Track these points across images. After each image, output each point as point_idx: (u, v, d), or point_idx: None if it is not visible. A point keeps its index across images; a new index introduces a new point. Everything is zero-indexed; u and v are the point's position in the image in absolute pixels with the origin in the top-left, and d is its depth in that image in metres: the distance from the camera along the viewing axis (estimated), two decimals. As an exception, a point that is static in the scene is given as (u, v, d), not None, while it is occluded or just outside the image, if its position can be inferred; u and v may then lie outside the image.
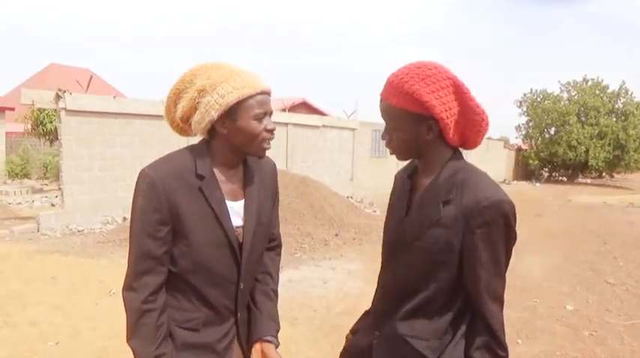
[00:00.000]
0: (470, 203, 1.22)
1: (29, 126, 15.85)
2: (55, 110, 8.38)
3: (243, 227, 1.40)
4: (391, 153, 1.38)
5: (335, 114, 16.68)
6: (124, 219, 8.73)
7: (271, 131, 1.36)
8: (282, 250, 5.63)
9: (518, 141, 29.62)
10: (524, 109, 27.24)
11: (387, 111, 1.31)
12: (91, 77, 9.47)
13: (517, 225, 1.28)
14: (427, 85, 1.25)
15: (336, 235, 7.98)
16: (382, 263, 1.46)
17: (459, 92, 1.27)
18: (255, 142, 1.34)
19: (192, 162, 1.34)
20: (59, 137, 8.20)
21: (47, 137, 15.36)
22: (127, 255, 1.32)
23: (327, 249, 7.18)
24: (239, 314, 1.44)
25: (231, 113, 1.30)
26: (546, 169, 27.45)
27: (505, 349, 1.29)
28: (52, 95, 7.90)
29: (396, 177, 1.52)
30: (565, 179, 26.66)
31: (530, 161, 26.16)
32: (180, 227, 1.30)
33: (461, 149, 1.38)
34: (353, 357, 1.53)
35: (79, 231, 8.00)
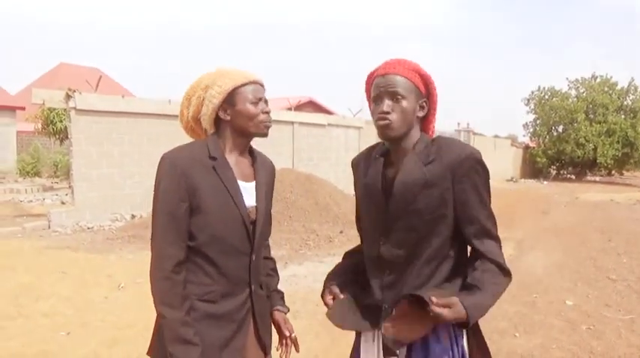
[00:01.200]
0: (451, 159, 1.41)
1: (39, 126, 16.08)
2: (65, 109, 8.54)
3: (256, 207, 1.58)
4: (385, 123, 1.45)
5: (342, 113, 16.76)
6: (132, 216, 8.89)
7: (267, 113, 1.60)
8: (288, 246, 5.81)
9: (526, 139, 29.54)
10: (532, 107, 27.13)
11: (397, 82, 1.44)
12: (100, 77, 9.62)
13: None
14: (424, 69, 1.50)
15: (341, 232, 8.08)
16: (373, 242, 1.53)
17: (433, 83, 1.51)
18: (254, 122, 1.57)
19: (205, 147, 1.55)
20: (69, 136, 8.37)
21: (57, 136, 15.59)
22: (151, 235, 1.46)
23: (332, 245, 7.28)
24: (253, 286, 1.58)
25: (231, 100, 1.54)
26: (554, 167, 27.34)
27: (508, 271, 1.44)
28: (62, 95, 8.06)
29: (356, 163, 1.64)
30: (573, 177, 26.54)
31: (538, 159, 26.07)
32: (198, 203, 1.46)
33: None
34: (354, 315, 1.56)
35: (88, 228, 8.16)
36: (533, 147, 27.53)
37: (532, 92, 27.30)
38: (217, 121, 1.59)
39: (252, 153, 1.68)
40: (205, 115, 1.58)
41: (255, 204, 1.59)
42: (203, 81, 1.58)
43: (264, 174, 1.68)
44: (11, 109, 19.08)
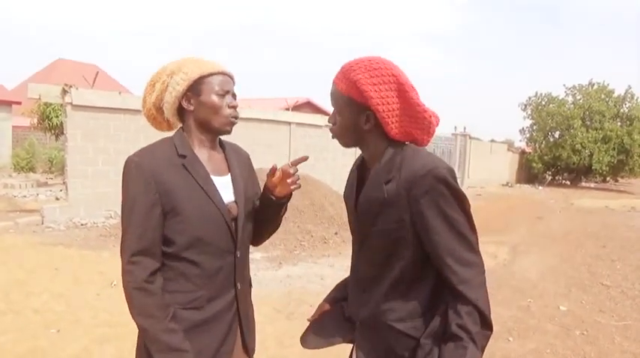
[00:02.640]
0: (408, 175, 1.27)
1: (35, 121, 15.99)
2: (61, 105, 8.49)
3: (236, 202, 1.50)
4: (332, 138, 1.45)
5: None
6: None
7: (234, 107, 1.51)
8: (282, 247, 5.74)
9: (522, 145, 29.57)
10: (529, 112, 27.17)
11: (333, 95, 1.38)
12: (97, 73, 9.59)
13: (462, 187, 1.34)
14: (370, 77, 1.31)
15: (336, 234, 8.05)
16: (352, 255, 1.51)
17: (402, 90, 1.32)
18: (218, 116, 1.48)
19: (172, 145, 1.47)
20: (65, 131, 8.31)
21: (53, 131, 15.50)
22: (121, 244, 1.38)
23: (326, 246, 7.26)
24: (239, 285, 1.51)
25: (196, 89, 1.46)
26: (550, 173, 27.38)
27: (486, 319, 1.25)
28: (59, 90, 8.01)
29: (350, 172, 1.58)
30: (568, 183, 26.60)
31: (534, 164, 26.10)
32: (172, 205, 1.38)
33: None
34: (334, 325, 1.54)
35: (82, 225, 8.11)
36: (530, 153, 27.56)
37: (529, 98, 27.37)
38: (181, 112, 1.51)
39: (222, 145, 1.60)
40: (168, 103, 1.49)
41: (234, 198, 1.51)
42: (169, 67, 1.50)
43: (239, 165, 1.60)
44: (7, 104, 19.00)
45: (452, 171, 1.31)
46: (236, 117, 1.51)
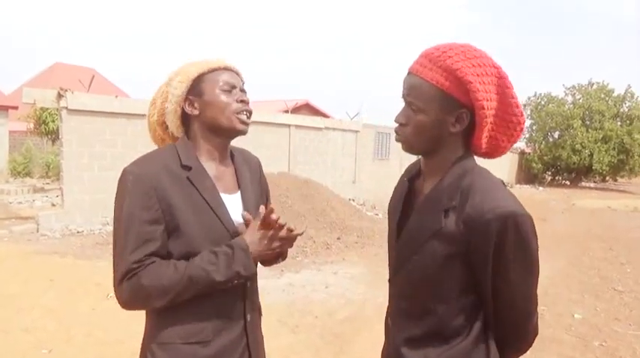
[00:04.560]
0: (474, 212, 1.03)
1: (32, 125, 15.81)
2: (57, 109, 8.30)
3: (245, 223, 1.31)
4: (399, 140, 1.17)
5: (339, 117, 16.60)
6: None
7: (245, 102, 1.31)
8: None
9: (522, 145, 29.47)
10: (528, 113, 27.07)
11: (416, 87, 1.10)
12: (93, 76, 9.39)
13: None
14: (473, 67, 1.06)
15: (338, 238, 7.88)
16: (389, 279, 1.31)
17: (503, 85, 1.11)
18: (226, 113, 1.28)
19: (174, 154, 1.27)
20: (60, 136, 8.13)
21: (49, 136, 15.32)
22: (113, 268, 1.20)
23: (329, 252, 7.09)
24: (249, 316, 1.32)
25: (197, 89, 1.28)
26: (549, 173, 27.30)
27: None
28: (54, 94, 7.82)
29: (399, 181, 1.35)
30: (568, 183, 26.50)
31: (534, 164, 26.00)
32: (176, 223, 1.19)
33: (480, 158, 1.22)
34: None
35: (78, 232, 7.91)
36: (529, 153, 27.48)
37: (528, 98, 27.31)
38: (186, 120, 1.32)
39: (231, 155, 1.40)
40: (170, 114, 1.31)
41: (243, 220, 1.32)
42: (167, 77, 1.33)
43: (250, 177, 1.41)
44: (4, 109, 18.77)
45: (532, 222, 1.08)
46: (249, 113, 1.32)
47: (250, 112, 1.32)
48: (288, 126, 12.29)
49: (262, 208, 1.27)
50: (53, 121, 14.09)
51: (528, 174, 26.73)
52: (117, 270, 1.19)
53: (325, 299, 4.86)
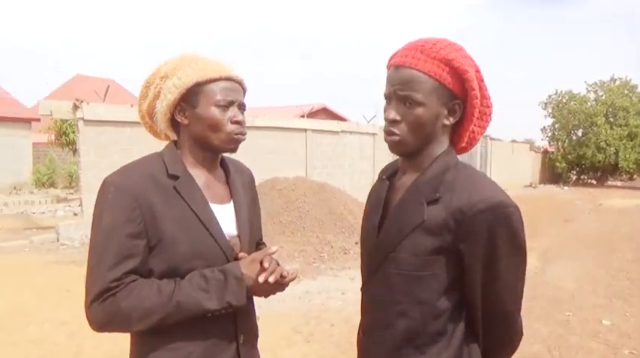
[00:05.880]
0: (462, 204, 1.00)
1: (53, 137, 16.11)
2: (74, 120, 8.40)
3: (239, 236, 1.23)
4: (392, 140, 1.10)
5: (356, 120, 16.50)
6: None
7: (238, 123, 1.20)
8: (301, 259, 5.34)
9: (545, 144, 28.91)
10: (550, 111, 26.58)
11: (412, 80, 1.04)
12: (108, 87, 9.50)
13: (527, 236, 1.07)
14: (463, 58, 1.06)
15: (356, 243, 7.75)
16: (362, 286, 1.22)
17: (479, 78, 1.10)
18: (217, 133, 1.18)
19: (161, 163, 1.18)
20: (77, 147, 8.21)
21: (70, 147, 15.57)
22: (85, 283, 1.11)
23: (347, 258, 6.98)
24: (241, 338, 1.22)
25: (191, 98, 1.17)
26: (574, 172, 26.69)
27: None
28: (70, 105, 7.91)
29: (377, 180, 1.28)
30: (594, 182, 25.86)
31: (558, 164, 25.47)
32: (160, 237, 1.11)
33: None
34: None
35: (97, 241, 7.97)
36: (552, 152, 26.94)
37: (549, 96, 26.77)
38: (175, 125, 1.23)
39: (223, 163, 1.31)
40: (159, 113, 1.21)
41: (236, 232, 1.24)
42: (163, 68, 1.21)
43: (243, 188, 1.32)
44: (26, 121, 19.20)
45: (519, 213, 1.04)
46: (242, 134, 1.22)
47: (243, 134, 1.23)
48: (305, 130, 12.23)
49: (276, 248, 1.21)
50: (73, 132, 14.30)
51: (552, 174, 26.19)
52: (90, 288, 1.10)
53: (342, 306, 4.75)
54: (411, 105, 1.05)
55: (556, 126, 26.28)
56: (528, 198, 16.35)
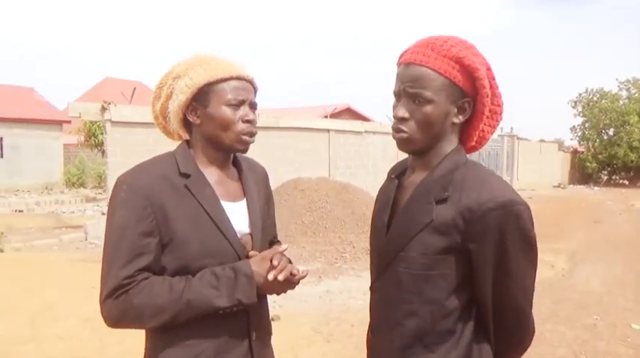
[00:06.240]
0: (471, 203, 1.00)
1: (82, 138, 16.56)
2: (102, 122, 8.61)
3: (250, 234, 1.24)
4: (401, 137, 1.09)
5: (379, 120, 16.43)
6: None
7: (249, 122, 1.21)
8: (323, 259, 5.31)
9: (574, 143, 28.24)
10: (580, 110, 25.98)
11: (423, 77, 1.04)
12: (135, 89, 9.71)
13: (537, 235, 1.05)
14: (474, 55, 1.06)
15: (378, 244, 7.73)
16: (370, 285, 1.22)
17: (490, 77, 1.09)
18: (228, 132, 1.19)
19: (173, 162, 1.21)
20: (105, 148, 8.41)
21: (99, 148, 15.97)
22: (101, 282, 1.14)
23: (369, 258, 6.95)
24: (253, 335, 1.22)
25: (202, 98, 1.19)
26: (605, 172, 25.99)
27: None
28: (97, 107, 8.10)
29: (386, 179, 1.28)
30: (626, 182, 25.10)
31: (588, 164, 24.86)
32: (172, 235, 1.12)
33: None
34: None
35: (124, 240, 8.15)
36: (582, 152, 26.30)
37: (579, 94, 26.17)
38: (187, 124, 1.25)
39: (236, 161, 1.32)
40: (172, 113, 1.23)
41: (249, 230, 1.24)
42: (175, 69, 1.23)
43: (256, 186, 1.32)
44: (58, 123, 19.79)
45: (529, 211, 1.03)
46: (252, 134, 1.22)
47: (253, 134, 1.23)
48: (328, 131, 12.24)
49: (286, 246, 1.22)
50: (101, 134, 14.68)
51: (582, 174, 25.56)
52: (104, 285, 1.12)
53: (363, 306, 4.73)
54: (421, 103, 1.05)
55: (586, 125, 25.68)
56: (557, 199, 15.99)
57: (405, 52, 1.10)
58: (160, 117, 1.30)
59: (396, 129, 1.10)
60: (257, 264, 1.16)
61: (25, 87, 20.90)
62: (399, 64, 1.11)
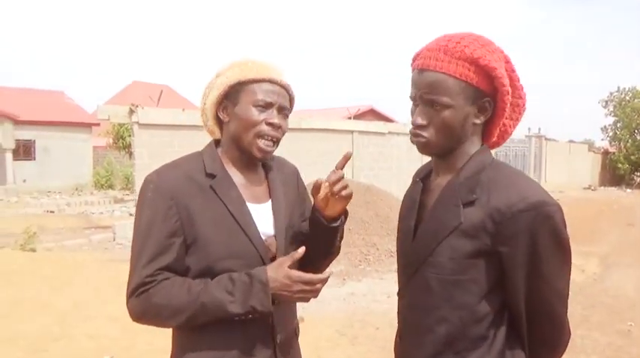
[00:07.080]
0: (500, 204, 0.96)
1: (111, 140, 16.91)
2: (130, 124, 8.77)
3: (275, 236, 1.22)
4: (419, 140, 1.07)
5: (403, 121, 16.29)
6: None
7: (273, 126, 1.19)
8: (346, 261, 5.28)
9: (605, 144, 27.50)
10: (611, 109, 25.32)
11: (438, 83, 1.01)
12: (162, 92, 9.84)
13: (571, 237, 1.01)
14: (490, 53, 1.02)
15: (403, 246, 7.66)
16: (398, 291, 1.19)
17: (510, 69, 1.06)
18: (249, 133, 1.18)
19: (200, 162, 1.21)
20: (132, 149, 8.56)
21: (126, 150, 16.28)
22: (128, 279, 1.15)
23: (393, 260, 6.87)
24: (278, 338, 1.21)
25: (233, 96, 1.19)
26: (638, 174, 25.23)
27: None
28: (126, 110, 8.26)
29: (412, 183, 1.24)
30: (661, 184, 24.32)
31: (620, 165, 24.17)
32: (195, 236, 1.13)
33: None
34: None
35: (150, 241, 8.28)
36: (614, 153, 25.59)
37: (611, 93, 25.52)
38: (220, 122, 1.25)
39: (264, 163, 1.31)
40: (207, 109, 1.25)
41: (273, 232, 1.22)
42: (220, 69, 1.26)
43: (284, 186, 1.30)
44: (87, 126, 20.29)
45: (562, 212, 0.99)
46: (273, 139, 1.19)
47: (276, 139, 1.20)
48: (351, 132, 12.21)
49: (302, 249, 1.16)
50: (129, 136, 14.96)
51: (614, 176, 24.87)
52: (129, 283, 1.14)
53: (387, 309, 4.68)
54: (439, 109, 1.02)
55: (618, 125, 25.02)
56: (586, 201, 15.57)
57: (418, 54, 1.07)
58: (204, 115, 1.31)
59: (414, 134, 1.08)
60: (273, 270, 1.14)
61: (55, 91, 21.50)
62: (412, 68, 1.09)
